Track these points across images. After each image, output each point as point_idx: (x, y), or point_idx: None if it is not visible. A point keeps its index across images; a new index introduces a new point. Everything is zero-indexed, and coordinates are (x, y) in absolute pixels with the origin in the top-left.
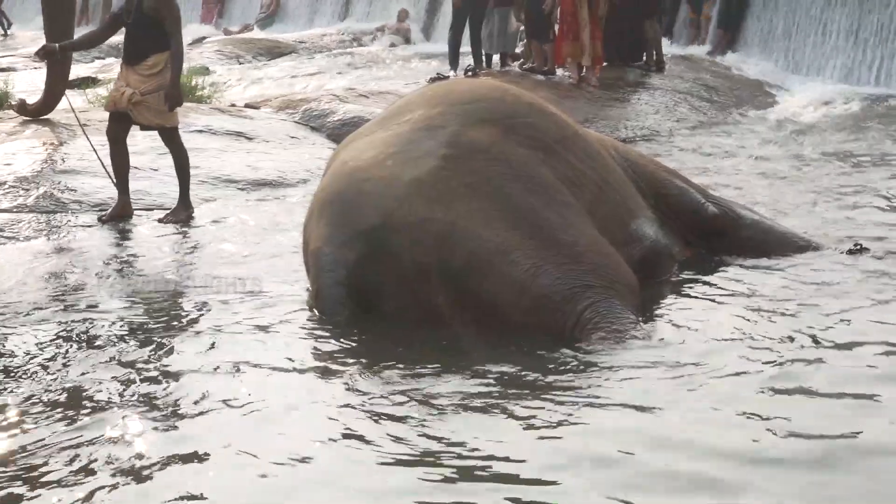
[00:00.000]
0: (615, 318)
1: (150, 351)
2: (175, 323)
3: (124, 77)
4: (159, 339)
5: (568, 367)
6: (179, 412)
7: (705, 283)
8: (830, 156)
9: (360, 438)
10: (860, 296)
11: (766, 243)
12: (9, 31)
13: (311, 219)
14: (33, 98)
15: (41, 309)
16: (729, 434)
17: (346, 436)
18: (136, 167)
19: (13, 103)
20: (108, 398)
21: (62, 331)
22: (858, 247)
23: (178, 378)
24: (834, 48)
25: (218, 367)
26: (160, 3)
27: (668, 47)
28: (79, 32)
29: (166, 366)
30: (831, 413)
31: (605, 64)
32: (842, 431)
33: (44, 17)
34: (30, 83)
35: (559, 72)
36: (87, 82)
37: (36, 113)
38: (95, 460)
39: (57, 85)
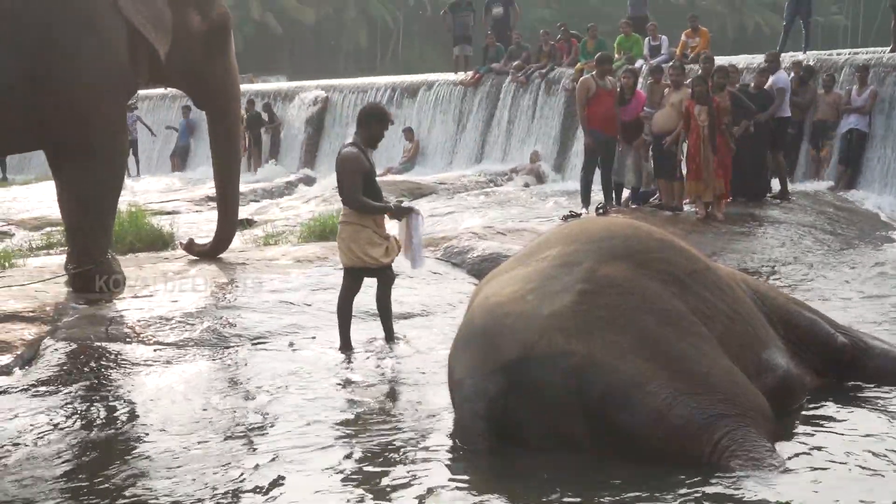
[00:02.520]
0: (752, 446)
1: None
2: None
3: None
4: (295, 455)
5: (706, 494)
6: None
7: (836, 413)
8: None
9: None
10: None
11: None
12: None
13: (456, 351)
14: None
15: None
16: None
17: None
18: (291, 302)
19: (182, 242)
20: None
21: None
22: None
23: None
24: None
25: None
26: None
27: (791, 183)
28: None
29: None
30: None
31: (729, 199)
32: None
33: (215, 159)
34: (192, 225)
35: (686, 208)
36: (244, 224)
37: (204, 254)
38: None
39: (226, 230)
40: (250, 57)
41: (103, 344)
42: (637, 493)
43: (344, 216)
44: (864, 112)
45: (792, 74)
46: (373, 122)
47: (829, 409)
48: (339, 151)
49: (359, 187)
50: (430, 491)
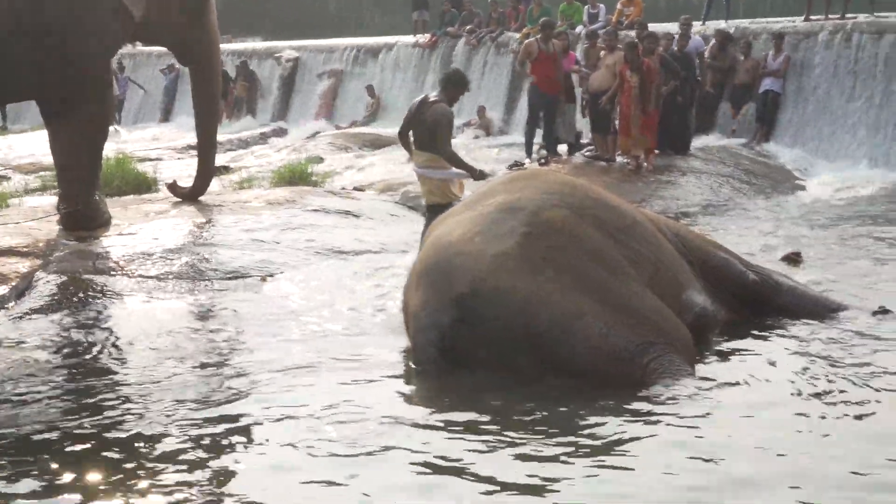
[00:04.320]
0: (676, 369)
1: (273, 378)
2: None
3: None
4: (272, 377)
5: (634, 406)
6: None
7: (745, 342)
8: (853, 228)
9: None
10: (881, 351)
11: (802, 307)
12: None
13: (410, 286)
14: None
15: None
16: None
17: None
18: (262, 240)
19: (167, 183)
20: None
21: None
22: (883, 309)
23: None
24: (858, 138)
25: (332, 402)
26: None
27: (711, 138)
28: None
29: (284, 387)
30: (861, 461)
31: (657, 152)
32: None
33: (197, 112)
34: (174, 171)
35: (619, 159)
36: (221, 170)
37: (185, 197)
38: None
39: (205, 175)
40: (231, 18)
41: (91, 276)
42: (573, 405)
43: (431, 161)
44: (778, 75)
45: (713, 41)
46: (451, 87)
47: (740, 339)
48: (426, 103)
49: (450, 140)
50: (387, 399)
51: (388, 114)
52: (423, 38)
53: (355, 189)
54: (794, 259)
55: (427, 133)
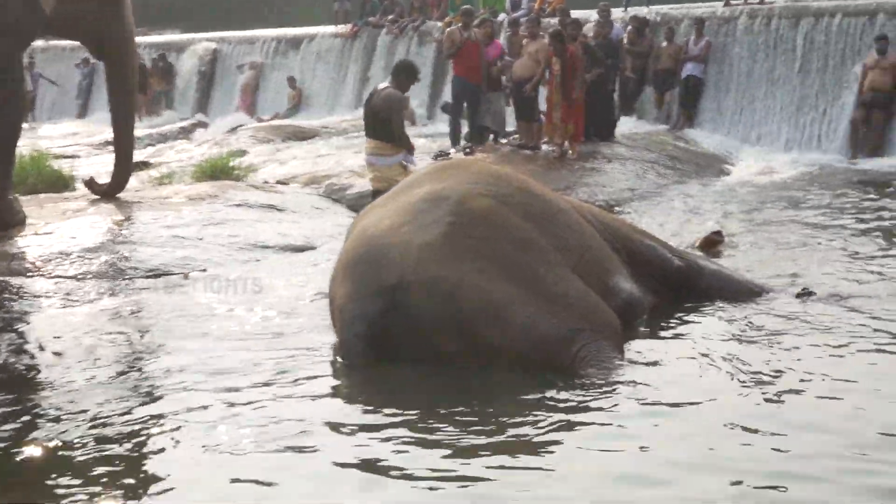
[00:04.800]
0: (605, 356)
1: (196, 380)
2: (219, 362)
3: None
4: (201, 372)
5: (563, 395)
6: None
7: (671, 326)
8: (776, 210)
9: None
10: (805, 333)
11: (726, 290)
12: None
13: (336, 278)
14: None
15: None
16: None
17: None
18: (183, 237)
19: (84, 180)
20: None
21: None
22: (806, 291)
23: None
24: (779, 122)
25: (246, 401)
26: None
27: (635, 124)
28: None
29: (208, 391)
30: (782, 448)
31: (583, 140)
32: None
33: (113, 107)
34: (91, 168)
35: (544, 147)
36: (140, 166)
37: (103, 194)
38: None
39: (123, 171)
40: (147, 10)
41: (6, 278)
42: (504, 396)
43: (379, 149)
44: (700, 60)
45: (630, 27)
46: (403, 77)
47: (667, 325)
48: (376, 92)
49: (402, 124)
50: (313, 396)
51: (311, 105)
52: (345, 28)
53: (278, 182)
54: (715, 240)
55: (376, 120)
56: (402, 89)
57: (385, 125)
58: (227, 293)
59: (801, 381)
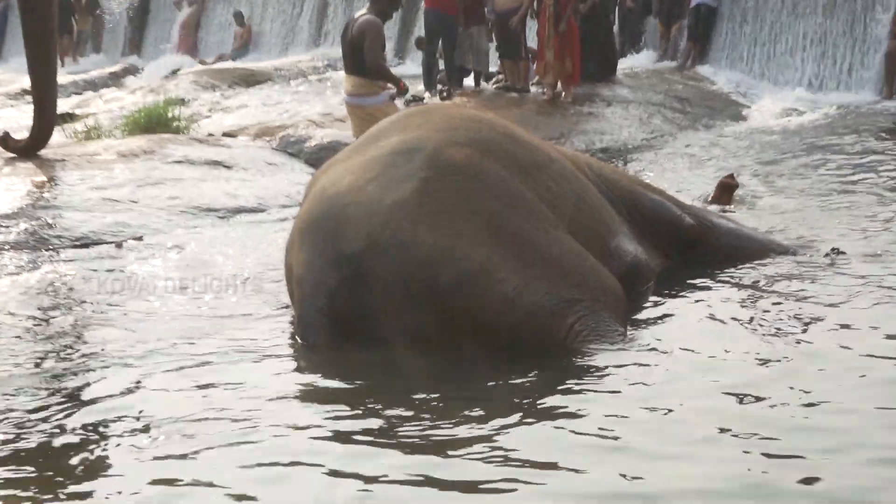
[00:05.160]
0: (605, 330)
1: (125, 373)
2: (153, 345)
3: None
4: (133, 361)
5: (557, 380)
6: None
7: (682, 293)
8: (797, 159)
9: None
10: (836, 298)
11: (744, 250)
12: None
13: (293, 245)
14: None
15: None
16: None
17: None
18: (115, 199)
19: None
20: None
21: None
22: (836, 251)
23: (147, 398)
24: (802, 57)
25: (196, 388)
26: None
27: (639, 60)
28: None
29: (138, 384)
30: (798, 426)
31: (579, 82)
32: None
33: (29, 51)
34: (6, 121)
35: (533, 89)
36: (64, 118)
37: (21, 151)
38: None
39: (44, 125)
40: None
41: None
42: (484, 377)
43: (360, 87)
44: None
45: None
46: (382, 3)
47: (678, 291)
48: (352, 21)
49: (382, 54)
50: (267, 381)
51: (262, 45)
52: None
53: (225, 135)
54: (729, 184)
55: (355, 53)
56: (383, 17)
57: (364, 57)
58: (167, 265)
59: (830, 356)
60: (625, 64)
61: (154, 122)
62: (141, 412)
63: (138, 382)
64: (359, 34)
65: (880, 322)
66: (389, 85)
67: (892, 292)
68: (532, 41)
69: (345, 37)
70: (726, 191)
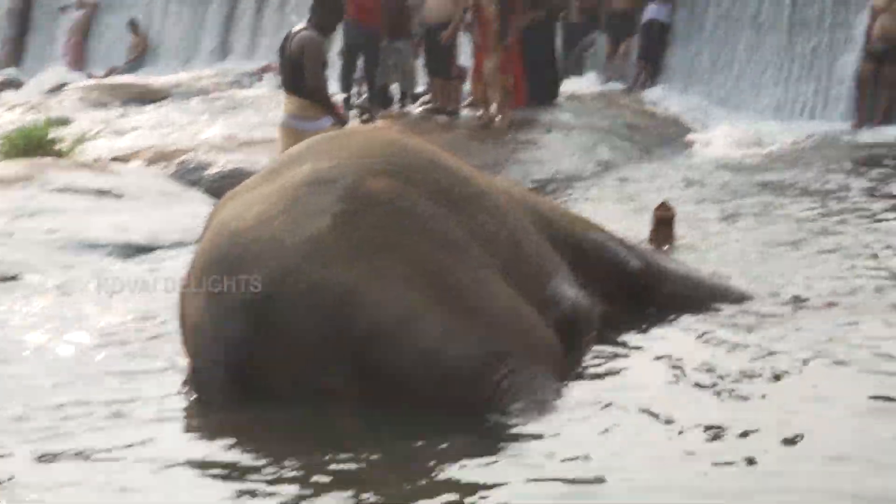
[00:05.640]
0: (536, 386)
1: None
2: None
3: None
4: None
5: (482, 446)
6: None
7: (629, 343)
8: (761, 196)
9: None
10: (794, 352)
11: (696, 297)
12: None
13: (189, 287)
14: None
15: None
16: None
17: None
18: None
19: None
20: None
21: None
22: (796, 298)
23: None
24: (765, 80)
25: (74, 454)
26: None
27: (583, 82)
28: None
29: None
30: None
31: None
32: None
33: None
34: None
35: (464, 111)
36: None
37: None
38: None
39: None
40: None
41: None
42: (399, 440)
43: (300, 109)
44: (665, 0)
45: None
46: (322, 13)
47: (621, 340)
48: (292, 32)
49: (322, 76)
50: (156, 442)
51: (159, 57)
52: None
53: (115, 160)
54: (665, 217)
55: (294, 70)
56: (325, 28)
57: (302, 77)
58: (44, 309)
59: (784, 419)
60: (568, 86)
61: (33, 145)
62: (19, 469)
63: (19, 430)
64: (297, 51)
65: (843, 381)
66: None
67: (856, 349)
68: (465, 58)
69: (283, 52)
70: (663, 224)
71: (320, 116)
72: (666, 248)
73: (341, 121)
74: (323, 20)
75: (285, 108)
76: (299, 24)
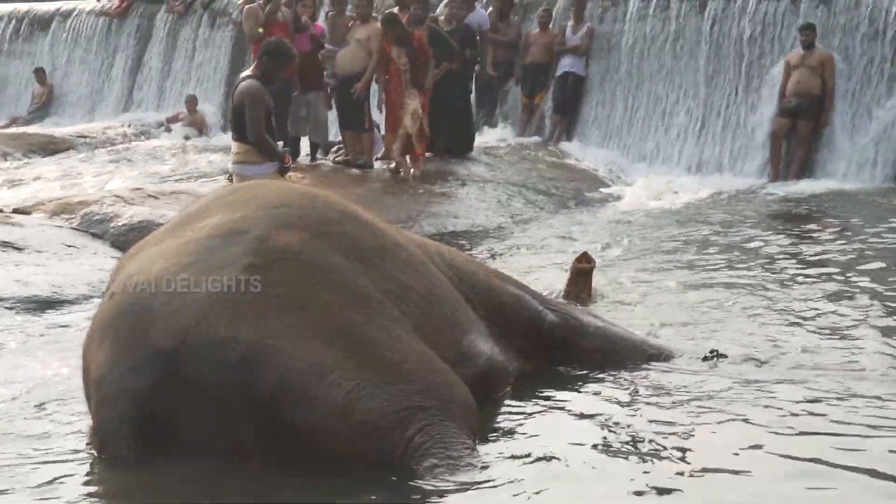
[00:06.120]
0: (449, 442)
1: None
2: None
3: None
4: None
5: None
6: None
7: (544, 400)
8: (677, 249)
9: None
10: (715, 409)
11: (615, 353)
12: None
13: (92, 343)
14: None
15: None
16: None
17: None
18: None
19: None
20: None
21: None
22: (715, 353)
23: None
24: (678, 136)
25: None
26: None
27: (498, 134)
28: None
29: None
30: None
31: (428, 154)
32: None
33: None
34: None
35: (377, 164)
36: None
37: None
38: None
39: None
40: None
41: None
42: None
43: (246, 154)
44: (580, 52)
45: (490, 9)
46: (267, 60)
47: (537, 396)
48: (239, 79)
49: (263, 124)
50: None
51: (64, 107)
52: (110, 3)
53: (17, 211)
54: (583, 269)
55: (237, 117)
56: (269, 76)
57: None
58: None
59: (707, 476)
60: (483, 138)
61: None
62: None
63: None
64: (239, 100)
65: (768, 439)
66: None
67: (781, 402)
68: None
69: (230, 98)
70: (581, 276)
71: (264, 161)
72: (583, 301)
73: (284, 167)
74: (267, 69)
75: (232, 154)
76: (245, 72)
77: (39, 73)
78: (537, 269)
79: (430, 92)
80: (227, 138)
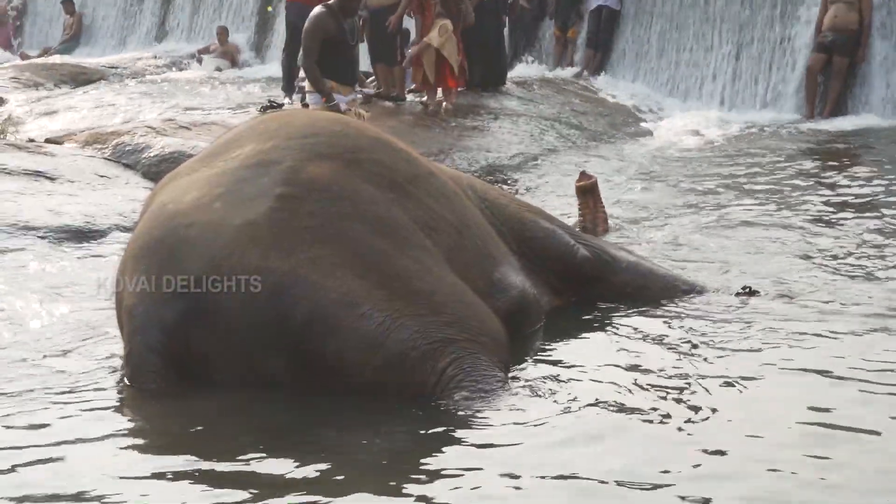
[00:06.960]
0: (481, 375)
1: None
2: None
3: None
4: None
5: (426, 435)
6: None
7: (575, 336)
8: (710, 186)
9: None
10: (747, 343)
11: (646, 288)
12: None
13: (125, 272)
14: None
15: None
16: None
17: None
18: None
19: None
20: None
21: None
22: (748, 289)
23: None
24: (715, 70)
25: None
26: None
27: (531, 69)
28: None
29: None
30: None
31: (463, 87)
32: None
33: None
34: None
35: (409, 97)
36: None
37: None
38: None
39: None
40: None
41: None
42: (339, 431)
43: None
44: None
45: None
46: None
47: (570, 333)
48: None
49: (314, 51)
50: (89, 432)
51: (95, 37)
52: None
53: (49, 141)
54: (584, 186)
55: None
56: (335, 10)
57: None
58: None
59: (739, 408)
60: (516, 72)
61: None
62: None
63: None
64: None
65: (795, 375)
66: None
67: (809, 337)
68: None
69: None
70: (586, 194)
71: (313, 91)
72: (599, 223)
73: (326, 103)
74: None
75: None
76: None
77: (67, 4)
78: (568, 205)
79: (460, 25)
80: (258, 69)
